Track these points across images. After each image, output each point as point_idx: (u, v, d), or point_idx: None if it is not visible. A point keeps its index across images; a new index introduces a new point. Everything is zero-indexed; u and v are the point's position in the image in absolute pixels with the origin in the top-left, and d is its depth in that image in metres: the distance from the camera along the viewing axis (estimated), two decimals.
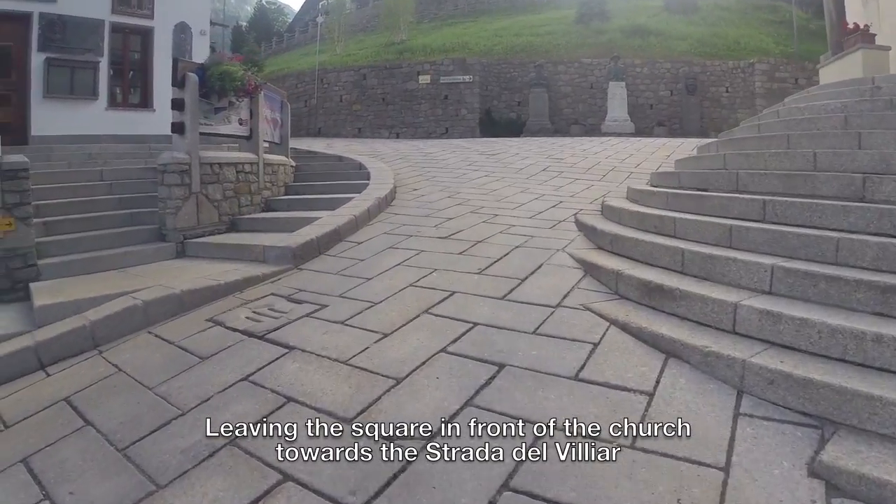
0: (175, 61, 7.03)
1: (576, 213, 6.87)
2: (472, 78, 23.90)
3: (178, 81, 6.60)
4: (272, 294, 5.02)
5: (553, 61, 24.70)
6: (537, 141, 16.78)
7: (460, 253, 5.66)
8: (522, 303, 4.36)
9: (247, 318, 4.52)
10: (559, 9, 37.86)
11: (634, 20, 29.19)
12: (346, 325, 4.22)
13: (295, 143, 19.11)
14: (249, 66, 6.69)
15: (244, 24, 71.18)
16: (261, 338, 4.13)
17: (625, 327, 3.87)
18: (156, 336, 4.40)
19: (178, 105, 6.62)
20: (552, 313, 4.14)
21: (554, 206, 7.48)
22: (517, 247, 5.75)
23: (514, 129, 23.06)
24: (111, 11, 13.01)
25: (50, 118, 11.53)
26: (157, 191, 6.66)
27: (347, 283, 5.06)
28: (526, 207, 7.43)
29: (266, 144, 8.45)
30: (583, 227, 6.30)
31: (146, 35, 13.96)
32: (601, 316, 4.07)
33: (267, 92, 8.26)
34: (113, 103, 13.05)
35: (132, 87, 13.94)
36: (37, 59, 11.71)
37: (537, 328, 3.92)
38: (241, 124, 7.44)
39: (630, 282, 4.39)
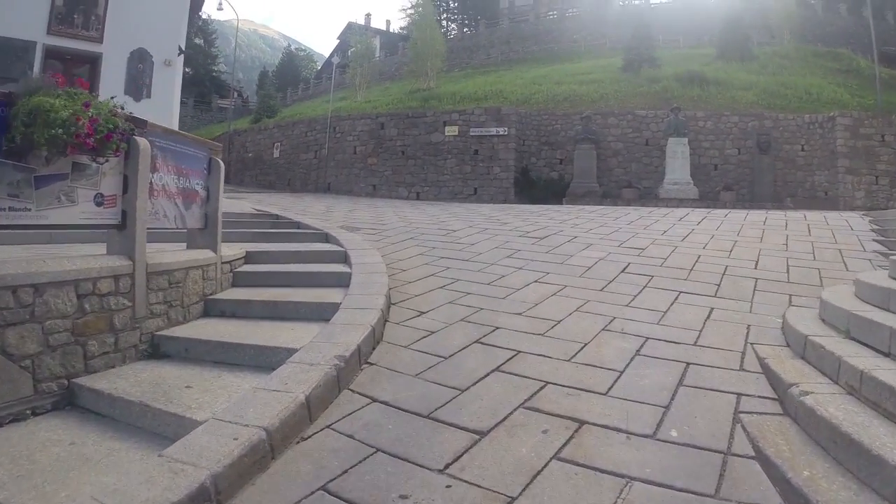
0: None
1: (737, 409, 3.40)
2: (508, 130, 20.66)
3: None
4: None
5: (601, 112, 21.42)
6: (590, 212, 13.30)
7: None
8: None
9: None
10: (601, 58, 35.00)
11: (688, 67, 26.04)
12: None
13: (288, 203, 16.63)
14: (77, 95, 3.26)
15: (271, 69, 69.78)
16: None
17: None
18: None
19: None
20: None
21: (675, 370, 4.00)
22: None
23: (555, 190, 19.70)
24: (46, 32, 10.09)
25: None
26: None
27: None
28: (625, 381, 3.86)
29: (184, 230, 5.17)
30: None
31: (94, 63, 11.03)
32: None
33: (167, 143, 4.86)
34: None
35: None
36: None
37: None
38: (101, 204, 4.09)
39: None
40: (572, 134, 20.63)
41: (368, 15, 65.82)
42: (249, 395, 3.41)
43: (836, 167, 19.40)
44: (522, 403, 3.54)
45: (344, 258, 7.22)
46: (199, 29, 68.51)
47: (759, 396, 3.58)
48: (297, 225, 10.15)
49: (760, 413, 3.34)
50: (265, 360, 4.18)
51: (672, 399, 3.56)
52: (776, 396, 3.54)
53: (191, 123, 53.18)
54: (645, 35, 29.99)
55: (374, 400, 3.66)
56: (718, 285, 6.33)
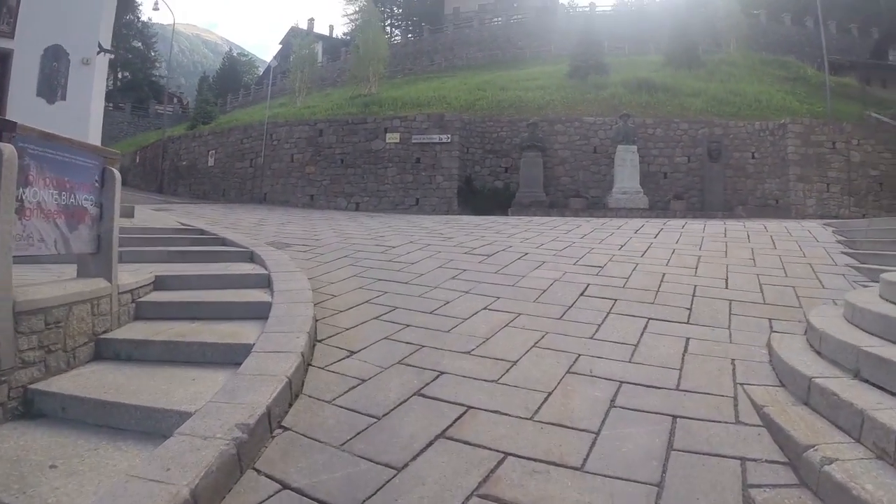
0: None
1: (745, 482, 2.62)
2: (451, 137, 19.69)
3: None
4: None
5: (548, 119, 20.60)
6: (539, 224, 12.30)
7: None
8: None
9: None
10: (547, 64, 34.42)
11: (637, 74, 25.49)
12: None
13: (218, 216, 15.19)
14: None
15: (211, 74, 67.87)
16: None
17: None
18: None
19: None
20: None
21: (661, 428, 3.09)
22: None
23: (499, 200, 18.79)
24: None
25: None
26: None
27: None
28: (603, 447, 2.96)
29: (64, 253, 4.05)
30: None
31: (4, 60, 9.83)
32: None
33: (45, 150, 3.71)
34: None
35: None
36: None
37: None
38: None
39: None
40: (518, 141, 19.75)
41: (312, 20, 64.43)
42: (119, 487, 2.35)
43: (788, 175, 18.98)
44: (476, 489, 2.64)
45: (267, 282, 6.09)
46: (139, 32, 66.47)
47: (768, 461, 2.86)
48: (223, 241, 8.91)
49: (773, 486, 2.65)
50: (154, 424, 3.15)
51: (664, 472, 2.76)
52: (787, 460, 2.86)
53: (127, 130, 51.25)
54: (592, 41, 29.43)
55: (286, 486, 2.68)
56: (690, 309, 5.43)
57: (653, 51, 37.20)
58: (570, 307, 5.60)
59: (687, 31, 30.80)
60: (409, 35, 57.10)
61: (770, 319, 5.13)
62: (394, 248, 8.99)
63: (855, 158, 19.34)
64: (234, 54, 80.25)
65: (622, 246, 8.93)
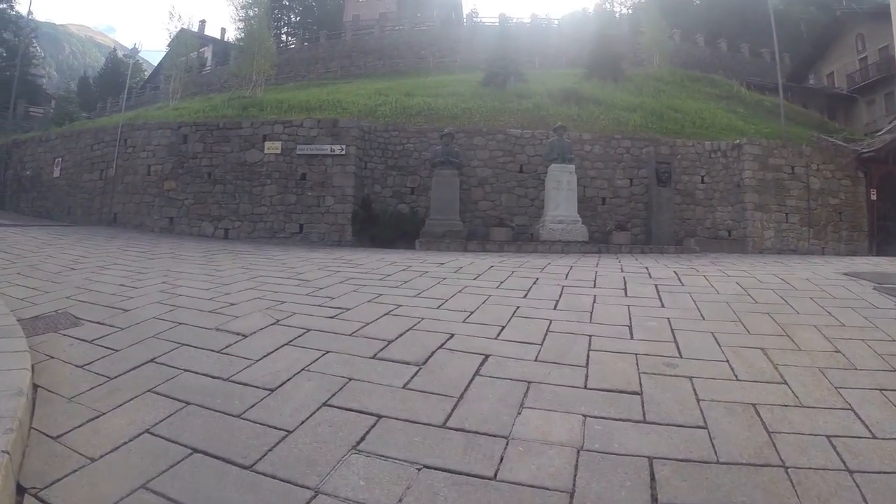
0: None
1: None
2: (346, 149, 15.72)
3: None
4: None
5: (465, 130, 16.92)
6: (466, 270, 8.47)
7: None
8: None
9: None
10: (454, 74, 31.24)
11: (561, 84, 22.42)
12: None
13: (27, 248, 10.44)
14: None
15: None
16: None
17: None
18: None
19: None
20: None
21: None
22: None
23: (405, 229, 14.96)
24: None
25: None
26: None
27: None
28: None
29: None
30: None
31: None
32: None
33: None
34: None
35: None
36: None
37: None
38: None
39: None
40: (429, 156, 15.97)
41: (203, 21, 59.29)
42: None
43: (744, 202, 16.29)
44: None
45: None
46: (11, 22, 58.96)
47: None
48: None
49: None
50: None
51: None
52: None
53: None
54: (510, 47, 26.34)
55: None
56: None
57: (564, 64, 35.32)
58: None
59: (610, 44, 28.34)
60: (305, 42, 52.91)
61: None
62: (244, 337, 4.86)
63: (814, 185, 16.89)
64: (119, 55, 73.44)
65: (612, 333, 5.17)
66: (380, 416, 3.15)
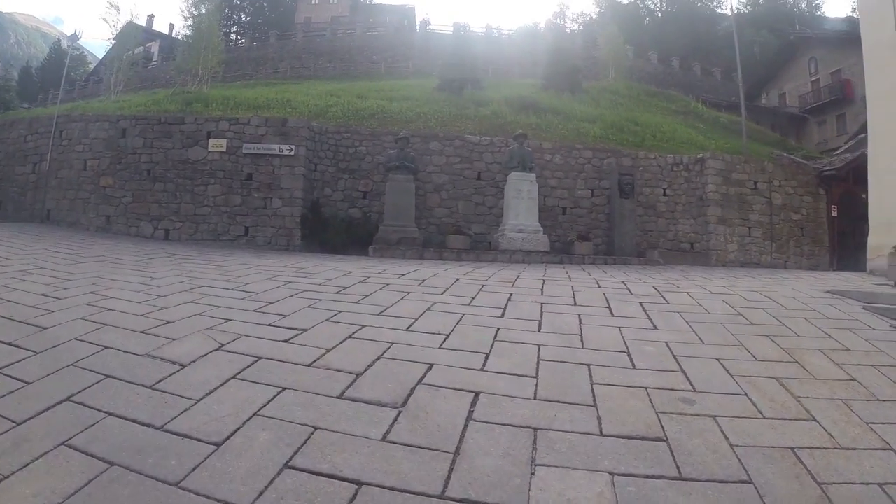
0: None
1: None
2: (295, 150, 14.83)
3: None
4: None
5: (421, 135, 16.22)
6: (428, 281, 7.73)
7: None
8: None
9: None
10: (408, 79, 30.67)
11: (518, 92, 21.96)
12: None
13: None
14: None
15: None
16: None
17: None
18: None
19: None
20: None
21: None
22: None
23: (357, 235, 14.19)
24: None
25: None
26: None
27: None
28: None
29: None
30: None
31: None
32: None
33: None
34: None
35: None
36: None
37: None
38: None
39: None
40: (383, 160, 15.23)
41: (151, 16, 57.40)
42: None
43: (706, 216, 16.07)
44: None
45: None
46: None
47: None
48: None
49: None
50: None
51: None
52: None
53: None
54: (465, 55, 25.77)
55: None
56: None
57: (517, 75, 35.21)
58: None
59: (566, 57, 28.07)
60: (255, 42, 51.72)
61: None
62: (181, 368, 3.89)
63: (777, 200, 16.84)
64: (64, 46, 70.73)
65: (608, 359, 4.52)
66: (360, 483, 2.40)
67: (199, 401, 3.22)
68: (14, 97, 30.46)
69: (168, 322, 5.01)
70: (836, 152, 22.90)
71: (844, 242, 17.47)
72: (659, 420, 3.11)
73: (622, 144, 17.72)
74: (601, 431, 2.94)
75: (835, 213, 17.46)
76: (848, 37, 39.10)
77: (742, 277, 10.64)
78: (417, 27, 51.99)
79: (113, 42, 27.68)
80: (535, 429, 2.93)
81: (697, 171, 16.43)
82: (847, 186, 17.66)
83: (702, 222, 16.12)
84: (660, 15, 67.25)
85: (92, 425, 2.88)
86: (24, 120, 19.12)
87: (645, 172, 16.56)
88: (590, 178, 16.26)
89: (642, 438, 2.87)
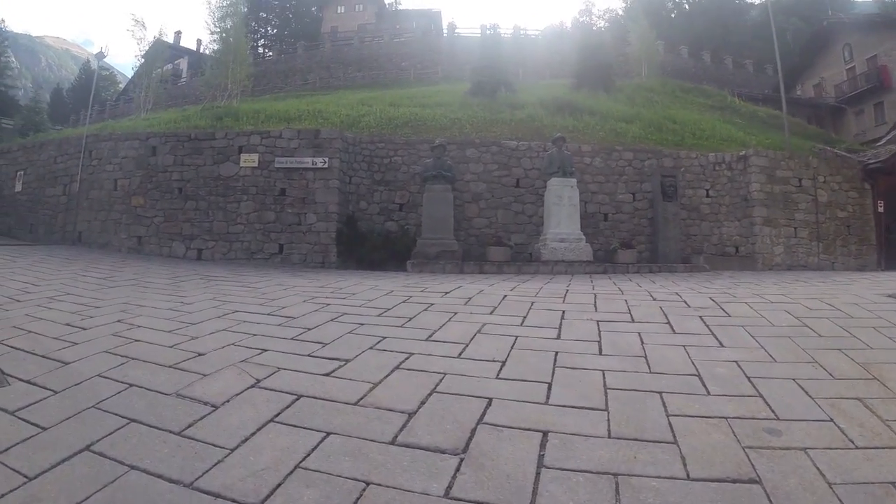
0: None
1: None
2: (329, 162, 14.54)
3: None
4: None
5: (456, 142, 15.81)
6: (475, 300, 7.31)
7: None
8: None
9: None
10: (438, 85, 30.29)
11: (552, 94, 21.47)
12: None
13: None
14: None
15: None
16: None
17: None
18: None
19: None
20: None
21: None
22: None
23: (395, 249, 13.79)
24: None
25: None
26: None
27: None
28: None
29: None
30: None
31: None
32: None
33: None
34: None
35: None
36: None
37: None
38: None
39: None
40: (419, 169, 14.88)
41: (179, 32, 57.95)
42: None
43: (752, 217, 15.43)
44: None
45: None
46: None
47: None
48: None
49: None
50: None
51: None
52: None
53: None
54: (494, 57, 25.26)
55: None
56: None
57: (548, 76, 34.68)
58: None
59: (597, 54, 27.46)
60: (282, 54, 51.77)
61: None
62: (213, 409, 3.45)
63: (822, 198, 16.07)
64: (93, 67, 71.76)
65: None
66: None
67: (233, 450, 2.85)
68: (45, 119, 30.69)
69: (199, 354, 4.67)
70: (877, 143, 22.05)
71: (891, 240, 16.72)
72: (748, 457, 2.75)
73: (662, 144, 17.15)
74: (688, 475, 2.60)
75: (881, 209, 16.60)
76: (882, 20, 37.84)
77: (794, 282, 10.14)
78: (444, 31, 51.55)
79: (141, 60, 27.79)
80: (615, 475, 2.59)
81: (741, 169, 15.78)
82: (893, 180, 16.86)
83: (747, 224, 15.45)
84: (687, 7, 66.28)
85: (112, 482, 2.53)
86: (54, 141, 19.11)
87: (687, 173, 15.96)
88: (631, 182, 15.71)
89: (734, 481, 2.54)
